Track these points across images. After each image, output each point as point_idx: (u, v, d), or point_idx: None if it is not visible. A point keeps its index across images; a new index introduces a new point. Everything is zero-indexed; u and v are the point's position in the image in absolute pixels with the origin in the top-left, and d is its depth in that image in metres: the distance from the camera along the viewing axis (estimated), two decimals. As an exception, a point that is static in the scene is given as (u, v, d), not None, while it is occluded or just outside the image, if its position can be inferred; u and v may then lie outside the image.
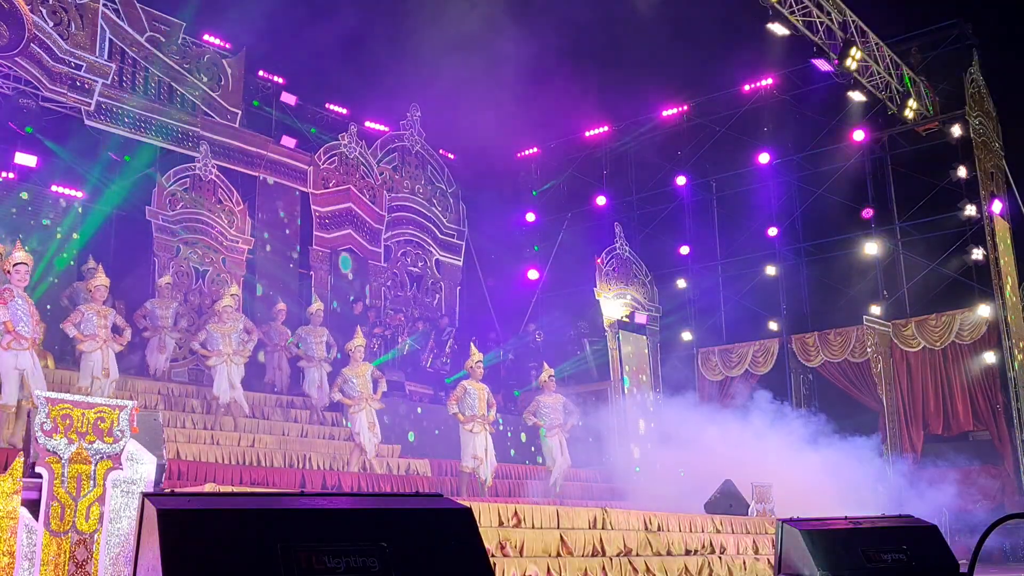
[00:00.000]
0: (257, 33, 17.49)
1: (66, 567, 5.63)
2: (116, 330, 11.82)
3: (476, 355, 12.83)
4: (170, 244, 16.72)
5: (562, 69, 17.89)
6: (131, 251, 16.38)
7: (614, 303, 20.16)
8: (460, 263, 22.03)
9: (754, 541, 11.92)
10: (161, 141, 16.71)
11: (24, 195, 15.56)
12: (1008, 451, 17.58)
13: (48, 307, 14.84)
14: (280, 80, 19.10)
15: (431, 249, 21.42)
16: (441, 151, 22.08)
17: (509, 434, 16.89)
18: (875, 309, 19.24)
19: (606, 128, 23.04)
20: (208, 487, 8.17)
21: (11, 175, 15.16)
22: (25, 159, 14.95)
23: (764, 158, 20.84)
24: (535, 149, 23.94)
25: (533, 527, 9.28)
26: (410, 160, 21.34)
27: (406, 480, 13.08)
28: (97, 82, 15.40)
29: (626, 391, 18.54)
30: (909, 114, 18.63)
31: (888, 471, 17.87)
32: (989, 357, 18.08)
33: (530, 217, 23.68)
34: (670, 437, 16.10)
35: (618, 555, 9.76)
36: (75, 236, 16.46)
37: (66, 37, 15.11)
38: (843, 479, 16.27)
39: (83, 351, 11.52)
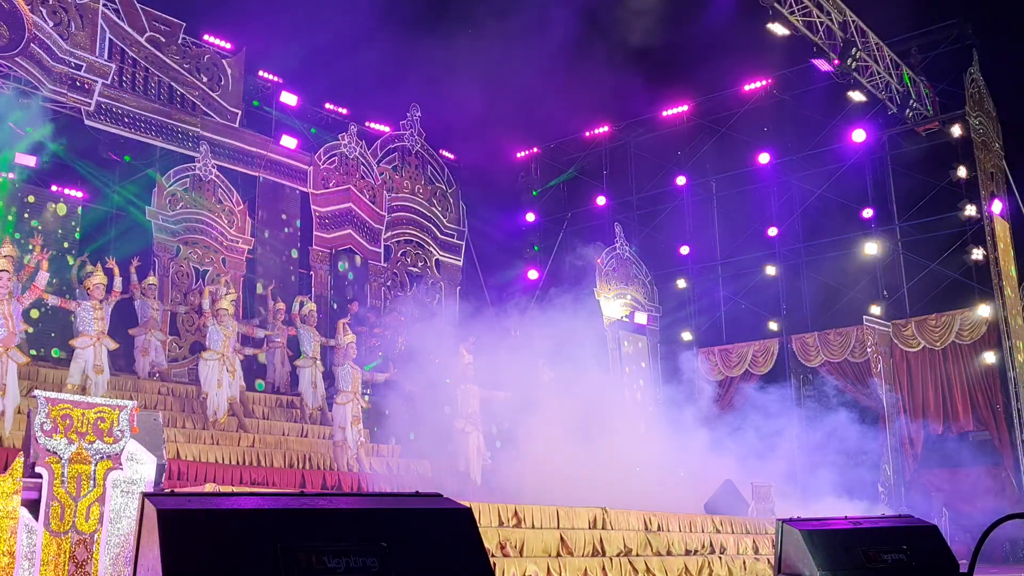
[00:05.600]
0: (257, 33, 17.51)
1: (66, 567, 5.63)
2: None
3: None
4: (170, 244, 16.71)
5: (562, 69, 17.90)
6: (131, 251, 16.36)
7: (614, 303, 20.17)
8: (460, 263, 22.00)
9: (754, 541, 11.93)
10: (161, 141, 16.70)
11: (24, 195, 15.54)
12: (1008, 451, 17.57)
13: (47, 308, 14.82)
14: (280, 80, 19.09)
15: (431, 249, 21.40)
16: (441, 151, 22.07)
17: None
18: (875, 309, 19.23)
19: (606, 128, 23.04)
20: (208, 487, 8.17)
21: (11, 175, 15.15)
22: (25, 159, 14.93)
23: (764, 158, 20.84)
24: (535, 149, 23.93)
25: (533, 527, 9.28)
26: (410, 160, 21.32)
27: (406, 480, 13.09)
28: (97, 82, 15.41)
29: (626, 391, 18.56)
30: (909, 114, 18.62)
31: (888, 471, 17.87)
32: (989, 357, 18.07)
33: (530, 217, 23.68)
34: (670, 437, 16.11)
35: (618, 555, 9.76)
36: (75, 236, 16.45)
37: (66, 37, 15.11)
38: (843, 479, 16.29)
39: (76, 347, 11.58)
